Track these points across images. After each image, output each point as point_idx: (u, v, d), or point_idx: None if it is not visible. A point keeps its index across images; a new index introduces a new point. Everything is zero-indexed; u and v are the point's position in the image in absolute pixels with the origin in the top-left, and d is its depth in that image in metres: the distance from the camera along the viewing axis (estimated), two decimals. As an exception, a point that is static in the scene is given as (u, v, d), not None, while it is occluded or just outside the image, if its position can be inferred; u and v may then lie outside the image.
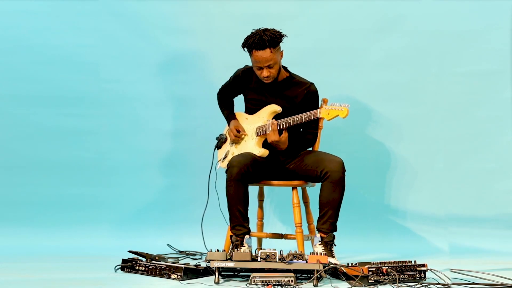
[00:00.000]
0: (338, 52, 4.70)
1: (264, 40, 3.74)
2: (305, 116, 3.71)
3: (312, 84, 3.95)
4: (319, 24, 4.71)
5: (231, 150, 3.99)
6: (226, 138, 4.09)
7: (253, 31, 3.82)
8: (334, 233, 3.74)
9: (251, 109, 4.01)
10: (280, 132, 3.80)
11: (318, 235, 3.72)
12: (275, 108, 3.89)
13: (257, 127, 3.92)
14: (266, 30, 3.80)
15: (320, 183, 3.77)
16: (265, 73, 3.81)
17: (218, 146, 4.09)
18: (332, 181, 3.69)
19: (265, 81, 3.86)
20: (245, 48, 3.84)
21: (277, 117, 3.88)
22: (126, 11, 4.78)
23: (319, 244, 3.69)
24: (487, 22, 4.59)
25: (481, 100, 4.63)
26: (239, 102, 4.17)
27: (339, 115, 3.59)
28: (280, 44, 3.81)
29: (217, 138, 4.10)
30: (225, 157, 3.99)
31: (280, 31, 3.82)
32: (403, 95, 4.69)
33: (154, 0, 4.77)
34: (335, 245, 3.72)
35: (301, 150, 3.92)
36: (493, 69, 4.59)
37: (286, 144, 3.81)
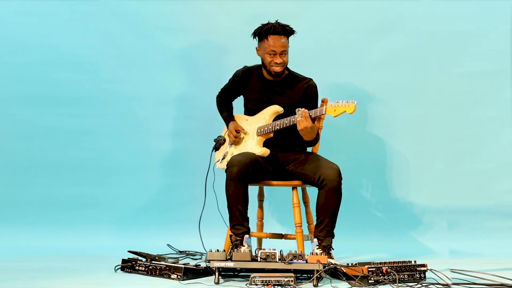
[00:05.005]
0: (338, 52, 4.71)
1: (283, 26, 3.83)
2: (310, 114, 3.71)
3: (311, 79, 3.96)
4: (319, 24, 4.71)
5: (230, 151, 3.98)
6: (224, 140, 4.08)
7: (263, 24, 3.87)
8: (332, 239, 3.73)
9: (252, 109, 4.00)
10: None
11: (315, 240, 3.72)
12: (277, 108, 3.89)
13: (258, 127, 3.92)
14: (278, 21, 3.87)
15: (317, 190, 3.76)
16: (278, 59, 3.83)
17: (216, 148, 4.08)
18: (329, 189, 3.68)
19: (276, 70, 3.86)
20: (257, 37, 3.88)
21: (278, 117, 3.88)
22: (126, 11, 4.78)
23: (317, 249, 3.68)
24: (487, 22, 4.60)
25: (481, 100, 4.63)
26: (237, 106, 4.18)
27: (346, 111, 3.58)
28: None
29: (215, 140, 4.09)
30: (223, 158, 3.99)
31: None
32: (403, 95, 4.69)
33: (154, 0, 4.77)
34: (333, 249, 3.72)
35: (312, 144, 3.92)
36: (493, 69, 4.59)
37: (315, 133, 3.78)
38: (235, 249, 3.66)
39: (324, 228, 3.69)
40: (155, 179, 4.80)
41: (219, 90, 4.17)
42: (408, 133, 4.69)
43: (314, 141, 3.87)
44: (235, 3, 4.77)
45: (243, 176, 3.70)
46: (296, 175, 3.85)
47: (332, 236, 3.71)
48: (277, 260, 3.21)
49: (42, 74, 4.77)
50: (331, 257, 3.63)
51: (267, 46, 3.84)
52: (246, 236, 3.74)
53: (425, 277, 3.26)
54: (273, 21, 3.87)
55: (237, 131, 3.97)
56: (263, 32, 3.85)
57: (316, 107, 3.87)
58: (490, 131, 4.62)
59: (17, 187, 4.75)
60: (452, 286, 3.07)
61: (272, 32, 3.82)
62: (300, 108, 3.72)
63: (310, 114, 3.70)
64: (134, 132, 4.80)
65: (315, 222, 3.80)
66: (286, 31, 3.83)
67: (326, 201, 3.68)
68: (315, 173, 3.74)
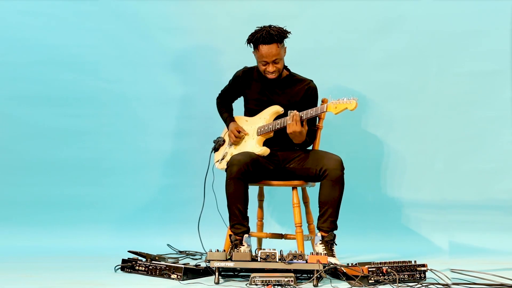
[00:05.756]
0: (338, 52, 4.70)
1: (272, 34, 3.78)
2: (311, 112, 3.72)
3: (312, 81, 3.97)
4: (319, 24, 4.71)
5: (230, 151, 3.99)
6: (223, 141, 4.09)
7: (257, 28, 3.84)
8: (335, 231, 3.73)
9: (252, 110, 4.00)
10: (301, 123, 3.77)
11: (318, 234, 3.72)
12: (277, 108, 3.89)
13: (258, 127, 3.92)
14: (271, 26, 3.83)
15: (319, 182, 3.77)
16: (271, 68, 3.82)
17: (216, 149, 4.08)
18: (331, 179, 3.69)
19: (270, 77, 3.86)
20: (250, 44, 3.86)
21: (279, 117, 3.88)
22: (126, 11, 4.78)
23: (320, 243, 3.69)
24: (487, 22, 4.59)
25: (481, 100, 4.63)
26: (237, 107, 4.18)
27: (348, 108, 3.59)
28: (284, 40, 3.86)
29: (214, 141, 4.09)
30: (223, 159, 3.99)
31: (284, 27, 3.85)
32: (403, 95, 4.69)
33: (154, 0, 4.77)
34: (336, 244, 3.72)
35: (302, 147, 3.92)
36: (493, 69, 4.59)
37: (304, 137, 3.79)
38: (235, 249, 3.66)
39: (328, 219, 3.70)
40: (155, 179, 4.80)
41: (219, 92, 4.18)
42: (408, 133, 4.69)
43: (304, 144, 3.88)
44: (235, 3, 4.77)
45: (243, 175, 3.70)
46: (297, 173, 3.85)
47: (335, 227, 3.71)
48: (277, 260, 3.21)
49: (42, 74, 4.77)
50: (333, 254, 3.64)
51: (259, 56, 3.83)
52: (246, 235, 3.74)
53: (425, 277, 3.26)
54: (266, 25, 3.83)
55: (238, 132, 3.97)
56: (253, 42, 3.84)
57: (316, 109, 3.88)
58: (490, 131, 4.62)
59: (17, 187, 4.75)
60: (452, 286, 3.07)
61: (261, 41, 3.79)
62: (292, 111, 3.74)
63: (302, 115, 3.72)
64: (134, 132, 4.80)
65: (315, 222, 3.80)
66: (274, 39, 3.78)
67: (329, 191, 3.69)
68: (317, 165, 3.75)
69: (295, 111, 3.74)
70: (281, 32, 3.81)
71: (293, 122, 3.72)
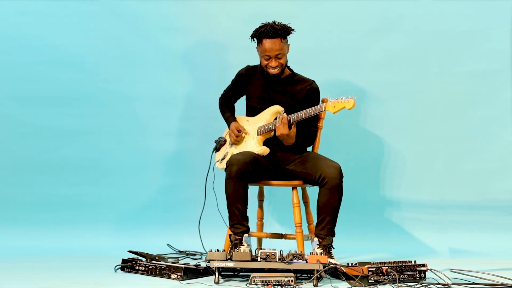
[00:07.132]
0: (338, 52, 4.71)
1: (276, 29, 3.81)
2: (310, 111, 3.73)
3: (314, 81, 3.97)
4: (319, 24, 4.72)
5: (230, 151, 3.99)
6: (225, 141, 4.09)
7: (262, 24, 3.86)
8: (333, 237, 3.73)
9: (254, 108, 4.01)
10: (289, 126, 3.80)
11: (316, 239, 3.72)
12: (278, 108, 3.90)
13: (258, 127, 3.93)
14: (275, 22, 3.86)
15: (318, 188, 3.76)
16: (273, 63, 3.84)
17: (217, 149, 4.09)
18: (329, 188, 3.69)
19: (272, 72, 3.87)
20: (254, 39, 3.88)
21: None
22: (126, 11, 4.78)
23: (318, 248, 3.69)
24: (487, 22, 4.60)
25: (481, 100, 4.63)
26: (239, 107, 4.18)
27: (346, 107, 3.61)
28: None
29: (216, 141, 4.10)
30: (223, 158, 3.99)
31: (288, 24, 3.88)
32: (403, 95, 4.70)
33: (154, 0, 4.77)
34: (334, 248, 3.72)
35: (301, 147, 3.92)
36: (493, 69, 4.59)
37: (293, 139, 3.82)
38: (235, 249, 3.66)
39: (325, 227, 3.70)
40: (155, 179, 4.80)
41: (222, 92, 4.18)
42: (408, 133, 4.69)
43: (296, 145, 3.87)
44: (235, 3, 4.77)
45: (243, 175, 3.70)
46: (297, 175, 3.85)
47: (333, 234, 3.71)
48: (277, 260, 3.21)
49: (42, 74, 4.77)
50: (332, 257, 3.64)
51: (262, 50, 3.85)
52: (246, 235, 3.74)
53: (425, 277, 3.26)
54: (271, 22, 3.86)
55: (239, 131, 3.98)
56: (257, 37, 3.86)
57: (316, 109, 3.88)
58: (490, 131, 4.62)
59: (17, 187, 4.75)
60: (452, 286, 3.07)
61: (265, 36, 3.82)
62: (281, 114, 3.76)
63: (292, 118, 3.74)
64: (134, 132, 4.80)
65: (315, 222, 3.80)
66: (278, 34, 3.81)
67: (327, 199, 3.69)
68: (316, 172, 3.75)
69: (284, 114, 3.78)
70: (285, 28, 3.85)
71: (281, 125, 3.75)
